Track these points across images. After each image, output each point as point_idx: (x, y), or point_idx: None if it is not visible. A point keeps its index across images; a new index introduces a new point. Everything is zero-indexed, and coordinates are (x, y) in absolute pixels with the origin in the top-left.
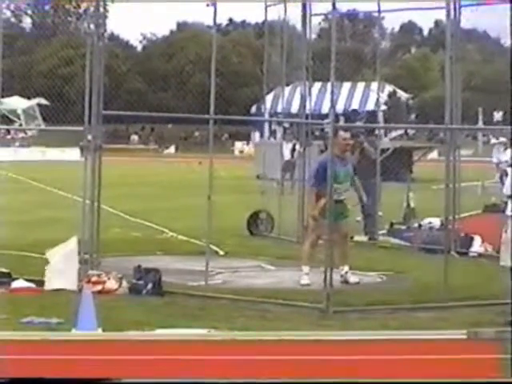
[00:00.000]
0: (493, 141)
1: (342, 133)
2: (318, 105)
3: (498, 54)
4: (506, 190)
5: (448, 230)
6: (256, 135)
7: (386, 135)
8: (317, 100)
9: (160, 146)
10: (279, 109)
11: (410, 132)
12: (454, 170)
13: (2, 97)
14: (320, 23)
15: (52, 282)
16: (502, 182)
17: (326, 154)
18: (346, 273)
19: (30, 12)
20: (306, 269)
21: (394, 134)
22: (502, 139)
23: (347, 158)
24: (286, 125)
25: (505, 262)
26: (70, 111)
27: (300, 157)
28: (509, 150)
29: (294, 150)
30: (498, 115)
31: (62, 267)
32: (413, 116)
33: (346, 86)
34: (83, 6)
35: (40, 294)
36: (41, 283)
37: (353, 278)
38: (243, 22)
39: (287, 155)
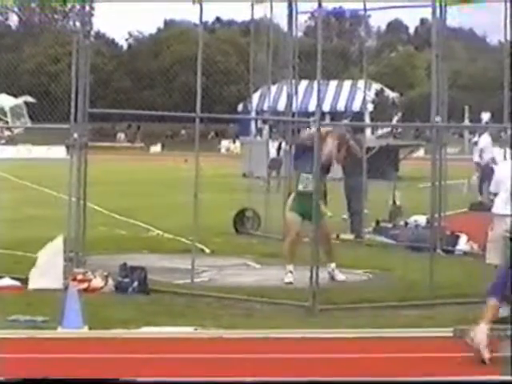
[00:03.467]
0: (474, 139)
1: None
2: (304, 103)
3: (483, 51)
4: (492, 188)
5: (434, 228)
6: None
7: (372, 133)
8: (303, 98)
9: (146, 144)
10: (265, 107)
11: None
12: (440, 168)
13: None
14: (306, 21)
15: (36, 280)
16: (482, 181)
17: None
18: (333, 270)
19: (16, 10)
20: (289, 267)
21: (380, 131)
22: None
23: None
24: (272, 123)
25: (490, 261)
26: (57, 109)
27: (286, 155)
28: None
29: (279, 148)
30: (486, 116)
31: (47, 266)
32: (399, 114)
33: (333, 84)
34: (69, 3)
35: (25, 292)
36: (26, 281)
37: (340, 276)
38: (230, 20)
39: (273, 153)
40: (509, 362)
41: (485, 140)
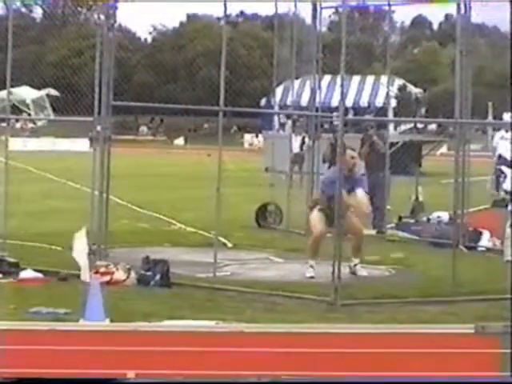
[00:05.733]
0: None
1: (349, 151)
2: (327, 98)
3: (508, 48)
4: (506, 186)
5: (456, 224)
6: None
7: (395, 129)
8: (326, 93)
9: (169, 137)
10: (289, 101)
11: (420, 126)
12: (463, 164)
13: (12, 87)
14: (330, 16)
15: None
16: (497, 178)
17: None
18: (355, 265)
19: (40, 2)
20: (311, 262)
21: (403, 127)
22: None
23: (354, 176)
24: (295, 118)
25: (508, 257)
26: (80, 102)
27: (309, 150)
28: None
29: (303, 142)
30: (507, 116)
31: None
32: (423, 110)
33: (356, 79)
34: None
35: (48, 284)
36: (49, 273)
37: (361, 272)
38: (254, 14)
39: (296, 148)
40: (509, 358)
41: (497, 137)
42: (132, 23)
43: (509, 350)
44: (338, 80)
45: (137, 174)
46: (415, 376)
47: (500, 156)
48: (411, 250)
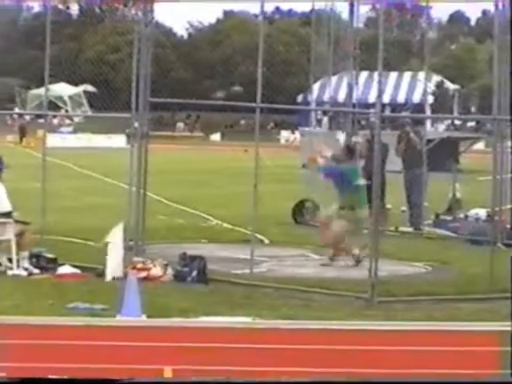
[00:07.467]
0: None
1: None
2: (364, 94)
3: None
4: None
5: (495, 221)
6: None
7: (432, 126)
8: (363, 89)
9: (206, 133)
10: (326, 98)
11: (458, 122)
12: (501, 160)
13: (50, 83)
14: (367, 12)
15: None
16: None
17: None
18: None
19: None
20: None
21: (443, 126)
22: None
23: None
24: (332, 114)
25: None
26: (117, 98)
27: None
28: None
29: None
30: None
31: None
32: (473, 109)
33: (393, 75)
34: None
35: (85, 279)
36: (87, 269)
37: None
38: (289, 10)
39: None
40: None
41: None
42: (169, 20)
43: None
44: (375, 76)
45: (173, 170)
46: (453, 374)
47: None
48: (448, 247)
